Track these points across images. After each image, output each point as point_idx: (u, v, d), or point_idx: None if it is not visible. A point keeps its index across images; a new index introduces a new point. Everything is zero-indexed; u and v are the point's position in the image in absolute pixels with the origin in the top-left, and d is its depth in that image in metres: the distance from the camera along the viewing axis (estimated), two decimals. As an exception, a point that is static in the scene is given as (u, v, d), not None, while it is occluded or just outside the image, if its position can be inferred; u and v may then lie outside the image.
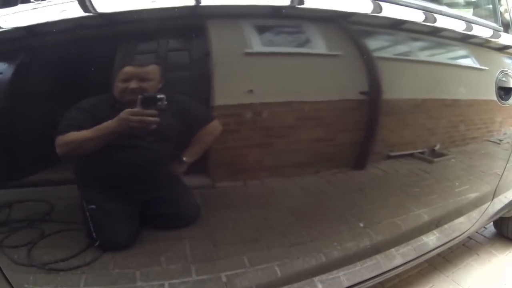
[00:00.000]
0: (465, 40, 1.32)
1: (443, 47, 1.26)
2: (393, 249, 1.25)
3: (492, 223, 2.16)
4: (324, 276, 1.08)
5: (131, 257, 0.81)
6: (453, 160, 1.32)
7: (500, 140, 1.50)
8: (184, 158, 0.78)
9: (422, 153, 1.19)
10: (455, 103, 1.25)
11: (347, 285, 1.15)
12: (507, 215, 1.95)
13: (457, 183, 1.39)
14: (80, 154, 0.74)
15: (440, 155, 1.26)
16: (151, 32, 0.78)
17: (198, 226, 0.86)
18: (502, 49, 1.47)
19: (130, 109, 0.71)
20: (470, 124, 1.35)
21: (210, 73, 0.79)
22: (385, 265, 1.24)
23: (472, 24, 1.35)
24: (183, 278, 0.86)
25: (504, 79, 1.37)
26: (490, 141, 1.47)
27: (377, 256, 1.20)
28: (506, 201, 1.78)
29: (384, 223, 1.19)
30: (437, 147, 1.23)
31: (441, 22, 1.20)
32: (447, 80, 1.22)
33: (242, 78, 0.83)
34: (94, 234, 0.76)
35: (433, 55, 1.24)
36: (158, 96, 0.72)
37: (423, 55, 1.19)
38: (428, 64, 1.19)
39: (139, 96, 0.71)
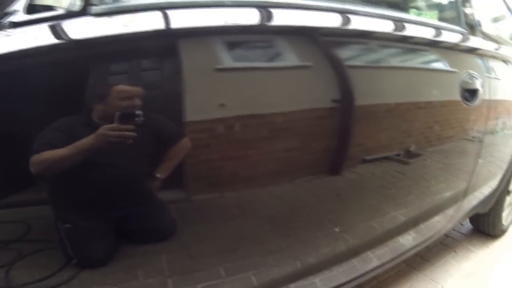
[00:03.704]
0: (432, 45, 1.34)
1: (411, 52, 1.29)
2: (369, 252, 1.26)
3: (468, 219, 2.19)
4: (300, 283, 1.09)
5: (109, 274, 0.81)
6: (428, 160, 1.35)
7: (474, 137, 1.53)
8: (157, 174, 0.80)
9: (397, 155, 1.21)
10: (428, 105, 1.28)
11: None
12: (482, 211, 1.98)
13: (433, 182, 1.42)
14: (55, 172, 0.74)
15: (416, 155, 1.27)
16: (123, 54, 0.79)
17: (175, 239, 0.86)
18: (468, 51, 1.50)
19: (108, 125, 0.73)
20: (444, 124, 1.37)
21: (182, 90, 0.80)
22: (361, 268, 1.26)
23: (437, 29, 1.37)
24: (160, 291, 0.86)
25: (468, 80, 1.38)
26: (467, 139, 1.50)
27: (353, 259, 1.21)
28: (481, 197, 1.82)
29: (361, 227, 1.21)
30: (412, 148, 1.25)
31: (408, 29, 1.23)
32: (418, 83, 1.25)
33: (214, 93, 0.84)
34: (70, 252, 0.77)
35: (403, 61, 1.26)
36: (136, 112, 0.74)
37: (394, 61, 1.22)
38: (398, 69, 1.21)
39: (117, 113, 0.73)
